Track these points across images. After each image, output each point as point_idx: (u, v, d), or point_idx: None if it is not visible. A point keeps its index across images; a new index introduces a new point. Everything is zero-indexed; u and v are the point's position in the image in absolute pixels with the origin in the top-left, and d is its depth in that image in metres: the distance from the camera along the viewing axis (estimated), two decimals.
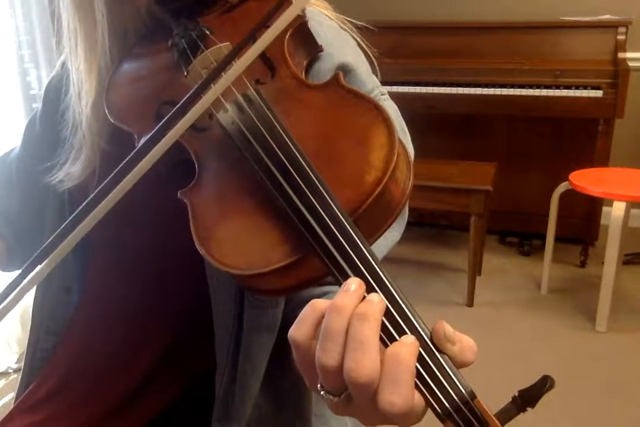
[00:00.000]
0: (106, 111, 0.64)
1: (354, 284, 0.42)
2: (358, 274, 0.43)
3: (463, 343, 0.42)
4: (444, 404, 0.40)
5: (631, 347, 2.33)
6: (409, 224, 0.69)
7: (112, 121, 0.63)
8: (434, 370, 0.41)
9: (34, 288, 0.61)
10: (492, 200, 2.57)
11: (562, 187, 2.53)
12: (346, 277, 0.43)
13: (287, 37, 0.60)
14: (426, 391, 0.40)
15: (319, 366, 0.41)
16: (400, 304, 0.42)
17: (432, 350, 0.41)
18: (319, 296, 0.63)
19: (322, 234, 0.44)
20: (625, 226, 2.31)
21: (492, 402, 0.42)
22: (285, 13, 0.47)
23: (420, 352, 0.41)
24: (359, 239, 0.44)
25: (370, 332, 0.39)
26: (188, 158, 0.56)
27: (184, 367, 0.73)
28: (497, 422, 0.40)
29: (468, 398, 0.40)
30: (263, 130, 0.50)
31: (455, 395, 0.40)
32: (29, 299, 0.66)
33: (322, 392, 0.43)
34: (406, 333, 0.41)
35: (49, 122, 0.77)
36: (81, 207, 0.47)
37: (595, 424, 1.92)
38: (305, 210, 0.45)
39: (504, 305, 2.65)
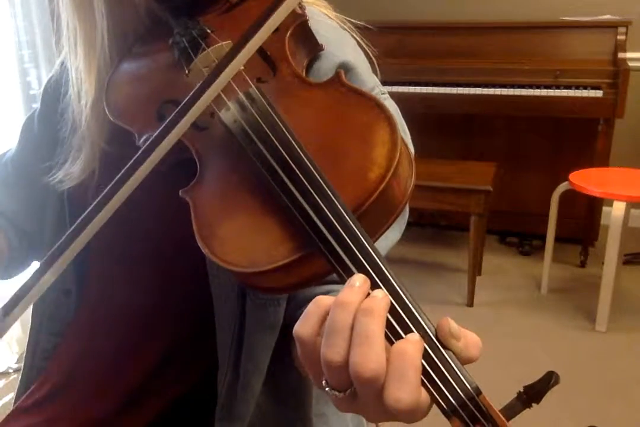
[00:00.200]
0: (106, 110, 0.64)
1: (358, 280, 0.42)
2: (362, 270, 0.43)
3: (468, 339, 0.42)
4: (450, 400, 0.40)
5: (631, 347, 2.33)
6: (409, 224, 0.69)
7: (113, 120, 0.63)
8: (439, 366, 0.41)
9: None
10: (492, 200, 2.57)
11: (562, 187, 2.54)
12: (349, 272, 0.43)
13: (287, 35, 0.60)
14: (432, 387, 0.40)
15: (324, 362, 0.41)
16: (404, 300, 0.42)
17: (437, 346, 0.41)
18: (322, 295, 0.63)
19: (326, 231, 0.44)
20: (625, 226, 2.31)
21: (492, 401, 0.42)
22: (282, 7, 0.47)
23: (425, 348, 0.41)
24: (362, 236, 0.44)
25: (375, 327, 0.39)
26: (189, 157, 0.56)
27: (186, 367, 0.73)
28: (502, 418, 0.40)
29: (473, 394, 0.40)
30: (265, 128, 0.50)
31: (461, 391, 0.40)
32: None
33: (327, 389, 0.43)
34: (411, 329, 0.41)
35: (48, 122, 0.77)
36: (92, 206, 0.48)
37: (595, 424, 1.91)
38: (308, 208, 0.45)
39: (504, 305, 2.65)
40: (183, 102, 0.49)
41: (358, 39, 0.73)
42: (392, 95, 0.70)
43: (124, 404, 0.72)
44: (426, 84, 2.90)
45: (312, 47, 0.65)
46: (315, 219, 0.44)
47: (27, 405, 0.76)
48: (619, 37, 2.76)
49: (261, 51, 0.59)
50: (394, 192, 0.47)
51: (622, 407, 2.01)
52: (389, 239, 0.66)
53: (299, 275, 0.47)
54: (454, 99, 2.87)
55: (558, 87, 2.74)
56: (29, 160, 0.81)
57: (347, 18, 0.75)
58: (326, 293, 0.63)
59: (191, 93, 0.49)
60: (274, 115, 0.51)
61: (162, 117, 0.60)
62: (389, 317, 0.41)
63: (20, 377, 0.84)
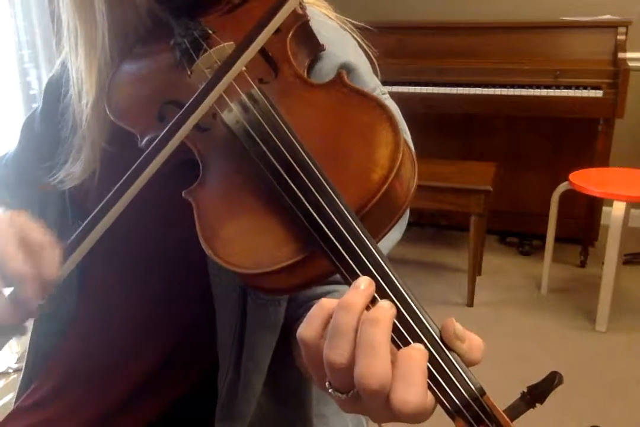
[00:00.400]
0: (107, 111, 0.64)
1: (363, 283, 0.42)
2: (365, 271, 0.43)
3: (472, 341, 0.42)
4: (454, 400, 0.40)
5: (631, 347, 2.33)
6: (409, 224, 0.70)
7: (114, 121, 0.63)
8: (443, 367, 0.41)
9: None
10: (492, 200, 2.57)
11: (562, 187, 2.54)
12: (353, 274, 0.43)
13: (289, 36, 0.60)
14: (436, 388, 0.40)
15: (327, 364, 0.41)
16: (408, 302, 0.42)
17: (442, 347, 0.41)
18: (323, 295, 0.63)
19: (329, 231, 0.44)
20: (625, 226, 2.31)
21: (493, 401, 0.42)
22: (284, 7, 0.47)
23: (430, 350, 0.41)
24: (365, 237, 0.44)
25: (382, 337, 0.39)
26: (192, 158, 0.56)
27: (186, 367, 0.73)
28: (506, 418, 0.40)
29: (477, 394, 0.40)
30: (268, 128, 0.50)
31: (465, 391, 0.40)
32: None
33: (330, 390, 0.43)
34: (415, 331, 0.42)
35: (49, 120, 0.77)
36: (97, 210, 0.48)
37: (595, 424, 1.91)
38: (311, 209, 0.45)
39: (504, 305, 2.65)
40: (187, 104, 0.49)
41: (359, 39, 0.73)
42: (392, 95, 0.70)
43: (125, 404, 0.72)
44: (426, 84, 2.90)
45: (313, 47, 0.65)
46: (318, 220, 0.44)
47: (28, 404, 0.76)
48: (619, 37, 2.76)
49: (263, 52, 0.59)
50: (397, 193, 0.47)
51: (622, 407, 2.01)
52: (390, 239, 0.66)
53: (302, 276, 0.47)
54: (454, 99, 2.87)
55: (558, 87, 2.74)
56: (30, 159, 0.81)
57: (347, 19, 0.75)
58: (327, 293, 0.63)
59: (195, 95, 0.49)
60: (276, 116, 0.51)
61: (163, 118, 0.60)
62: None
63: (21, 375, 0.84)
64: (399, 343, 0.41)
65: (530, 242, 3.09)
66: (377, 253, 0.43)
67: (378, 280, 0.43)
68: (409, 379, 0.39)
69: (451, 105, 2.89)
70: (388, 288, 0.42)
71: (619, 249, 2.31)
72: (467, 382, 0.41)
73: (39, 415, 0.74)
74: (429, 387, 0.40)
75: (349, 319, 0.40)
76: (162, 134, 0.50)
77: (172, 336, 0.72)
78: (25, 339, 0.84)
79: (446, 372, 0.41)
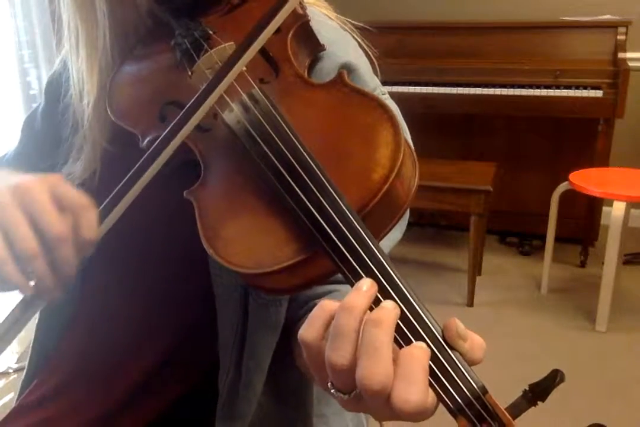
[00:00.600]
0: (108, 111, 0.64)
1: (365, 284, 0.42)
2: (367, 271, 0.43)
3: (474, 341, 0.42)
4: (456, 399, 0.40)
5: (631, 347, 2.33)
6: (409, 224, 0.70)
7: (115, 121, 0.63)
8: (445, 366, 0.41)
9: None
10: (492, 200, 2.57)
11: (562, 187, 2.54)
12: (355, 274, 0.43)
13: (289, 36, 0.60)
14: (439, 386, 0.41)
15: (329, 365, 0.41)
16: (411, 302, 0.42)
17: (444, 346, 0.42)
18: (324, 294, 0.63)
19: (331, 232, 0.44)
20: (625, 226, 2.31)
21: None
22: (284, 8, 0.47)
23: (432, 349, 0.41)
24: (367, 236, 0.44)
25: (384, 338, 0.40)
26: (193, 158, 0.56)
27: (187, 367, 0.73)
28: (508, 416, 0.41)
29: (480, 393, 0.41)
30: (269, 128, 0.50)
31: (467, 390, 0.41)
32: None
33: (332, 391, 0.43)
34: (418, 330, 0.42)
35: (50, 119, 0.77)
36: (101, 207, 0.48)
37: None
38: (313, 209, 0.45)
39: (504, 305, 2.65)
40: (188, 104, 0.49)
41: (359, 39, 0.73)
42: (392, 95, 0.70)
43: (125, 403, 0.72)
44: (426, 84, 2.90)
45: (313, 47, 0.65)
46: (320, 220, 0.45)
47: (30, 402, 0.76)
48: (619, 37, 2.76)
49: (263, 52, 0.59)
50: (398, 193, 0.47)
51: (622, 407, 2.01)
52: (391, 238, 0.66)
53: (303, 276, 0.47)
54: (454, 99, 2.87)
55: (558, 87, 2.74)
56: (31, 158, 0.81)
57: (348, 19, 0.75)
58: (328, 293, 0.63)
59: (196, 95, 0.49)
60: (277, 116, 0.51)
61: (164, 119, 0.60)
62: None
63: (24, 373, 0.84)
64: (401, 342, 0.41)
65: (530, 242, 3.09)
66: (379, 253, 0.43)
67: (380, 280, 0.43)
68: (411, 377, 0.39)
69: (451, 105, 2.89)
70: (390, 288, 0.42)
71: (619, 249, 2.31)
72: (469, 381, 0.41)
73: (40, 414, 0.74)
74: (432, 386, 0.40)
75: (351, 320, 0.40)
76: (164, 134, 0.50)
77: (173, 335, 0.72)
78: (26, 339, 0.84)
79: (449, 371, 0.41)
